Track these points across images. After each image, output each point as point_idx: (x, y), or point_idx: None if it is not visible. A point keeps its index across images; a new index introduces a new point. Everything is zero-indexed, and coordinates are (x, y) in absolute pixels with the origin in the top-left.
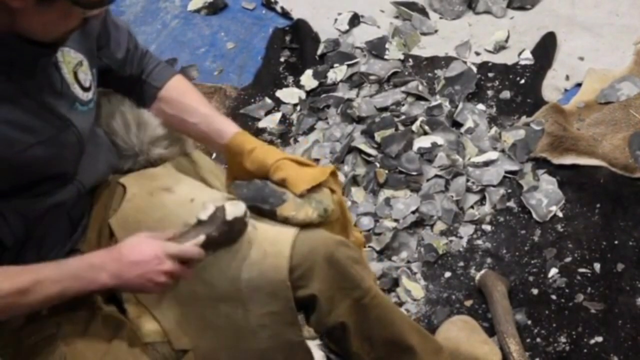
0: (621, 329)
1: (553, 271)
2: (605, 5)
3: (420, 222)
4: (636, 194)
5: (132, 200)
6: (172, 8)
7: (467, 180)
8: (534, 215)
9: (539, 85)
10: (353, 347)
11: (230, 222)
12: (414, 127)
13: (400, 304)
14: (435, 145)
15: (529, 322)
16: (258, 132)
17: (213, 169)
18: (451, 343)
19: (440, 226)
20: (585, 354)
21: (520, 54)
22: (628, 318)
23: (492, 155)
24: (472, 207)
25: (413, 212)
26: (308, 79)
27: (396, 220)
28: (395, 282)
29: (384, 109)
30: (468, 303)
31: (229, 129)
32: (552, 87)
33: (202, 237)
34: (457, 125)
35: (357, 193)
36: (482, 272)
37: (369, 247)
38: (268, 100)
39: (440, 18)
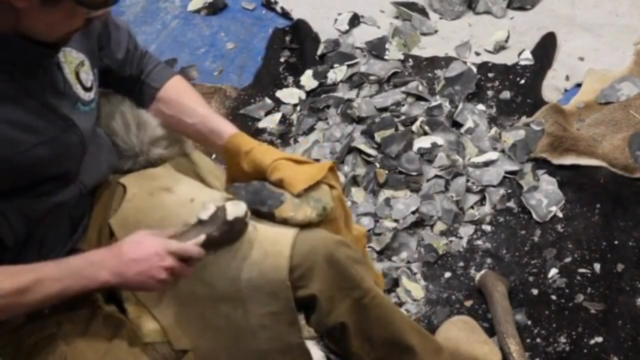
0: (621, 329)
1: (553, 271)
2: (605, 5)
3: (420, 222)
4: (636, 194)
5: (132, 200)
6: (172, 8)
7: (467, 181)
8: (534, 216)
9: (539, 86)
10: (353, 347)
11: (231, 222)
12: (414, 128)
13: (400, 304)
14: (435, 145)
15: (529, 322)
16: (258, 133)
17: (213, 170)
18: (451, 343)
19: (440, 226)
20: (585, 354)
21: (520, 54)
22: (628, 318)
23: (492, 155)
24: (472, 207)
25: (413, 213)
26: (308, 79)
27: (396, 221)
28: (395, 283)
29: (384, 109)
30: (468, 303)
31: (226, 130)
32: (552, 87)
33: (202, 237)
34: (457, 125)
35: (357, 193)
36: (482, 272)
37: (369, 247)
38: (268, 101)
39: (440, 18)
